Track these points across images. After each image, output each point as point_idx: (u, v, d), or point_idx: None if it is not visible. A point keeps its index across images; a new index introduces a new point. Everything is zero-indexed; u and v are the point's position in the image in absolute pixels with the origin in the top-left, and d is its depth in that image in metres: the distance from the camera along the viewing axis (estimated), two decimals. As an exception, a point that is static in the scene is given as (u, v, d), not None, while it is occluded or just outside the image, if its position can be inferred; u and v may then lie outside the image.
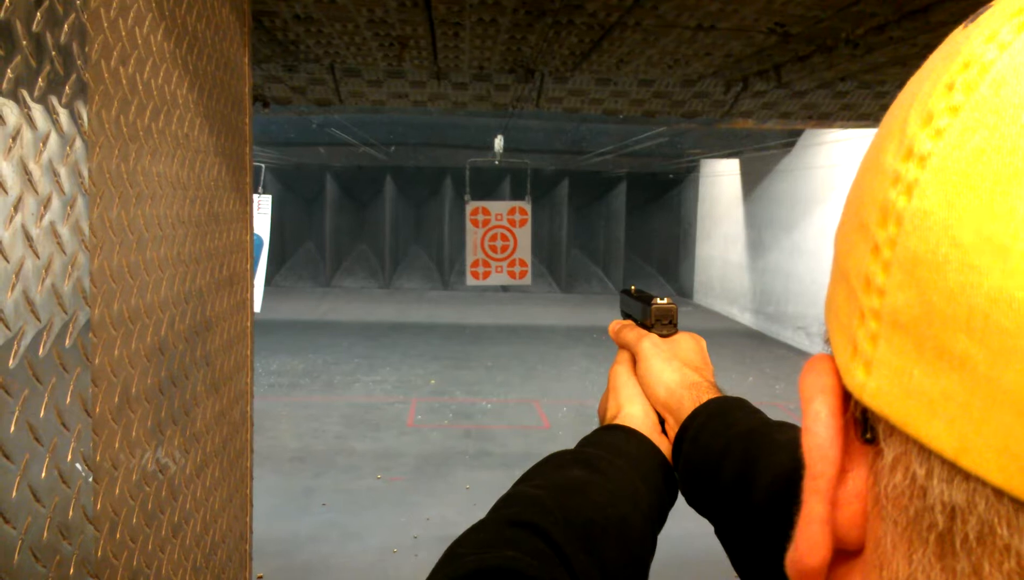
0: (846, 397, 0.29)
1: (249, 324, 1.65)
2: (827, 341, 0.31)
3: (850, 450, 0.28)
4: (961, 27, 0.27)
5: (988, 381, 0.22)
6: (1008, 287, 0.22)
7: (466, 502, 5.43)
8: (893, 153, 0.26)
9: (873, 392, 0.26)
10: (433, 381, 9.33)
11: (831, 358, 0.30)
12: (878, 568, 0.27)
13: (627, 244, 18.55)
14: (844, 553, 0.29)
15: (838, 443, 0.28)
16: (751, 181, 14.11)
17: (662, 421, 0.83)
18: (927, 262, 0.24)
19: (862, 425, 0.28)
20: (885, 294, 0.25)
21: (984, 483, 0.23)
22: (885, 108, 3.44)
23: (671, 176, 18.10)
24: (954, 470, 0.24)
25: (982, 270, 0.22)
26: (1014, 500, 0.22)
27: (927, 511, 0.25)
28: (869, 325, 0.26)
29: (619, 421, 0.82)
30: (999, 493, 0.22)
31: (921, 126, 0.25)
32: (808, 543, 0.29)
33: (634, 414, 0.82)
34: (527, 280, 7.98)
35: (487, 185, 16.10)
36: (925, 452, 0.25)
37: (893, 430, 0.26)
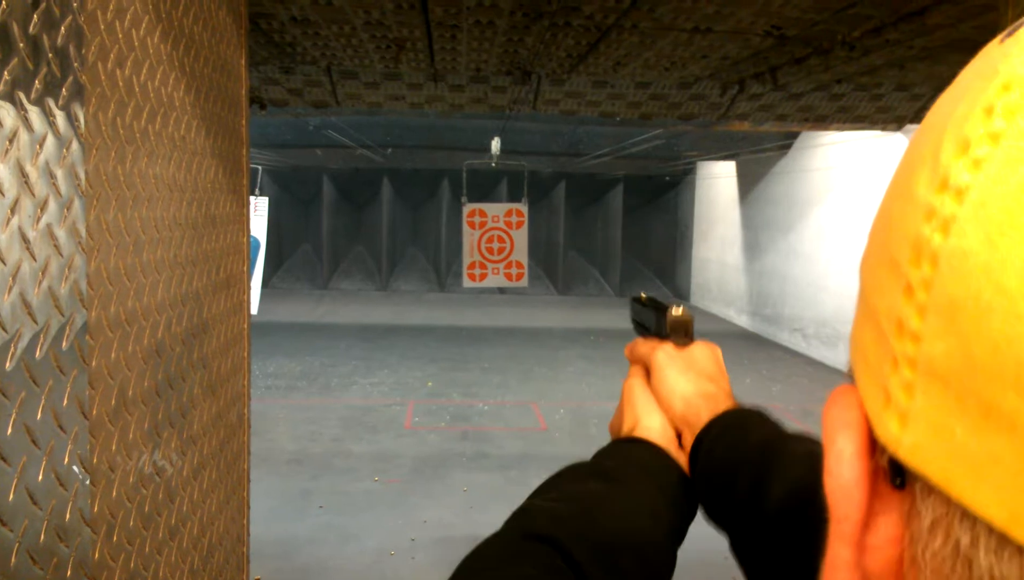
0: (873, 437, 0.26)
1: (246, 326, 1.65)
2: (850, 374, 0.29)
3: (880, 492, 0.26)
4: (997, 41, 0.25)
5: None
6: None
7: (463, 504, 5.43)
8: (926, 183, 0.24)
9: (910, 448, 0.23)
10: (430, 383, 9.32)
11: (856, 391, 0.27)
12: None
13: (624, 246, 18.56)
14: None
15: (864, 485, 0.26)
16: (747, 183, 14.13)
17: (678, 434, 0.81)
18: (968, 309, 0.21)
19: (892, 473, 0.25)
20: (921, 341, 0.23)
21: None
22: (881, 110, 3.46)
23: (668, 178, 18.12)
24: (1004, 541, 0.21)
25: None
26: None
27: None
28: (903, 373, 0.24)
29: (637, 433, 0.80)
30: None
31: (957, 155, 0.23)
32: None
33: (652, 426, 0.80)
34: (524, 282, 7.98)
35: (484, 187, 16.10)
36: (970, 519, 0.22)
37: (932, 490, 0.23)
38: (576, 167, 15.26)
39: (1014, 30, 0.24)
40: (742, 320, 14.29)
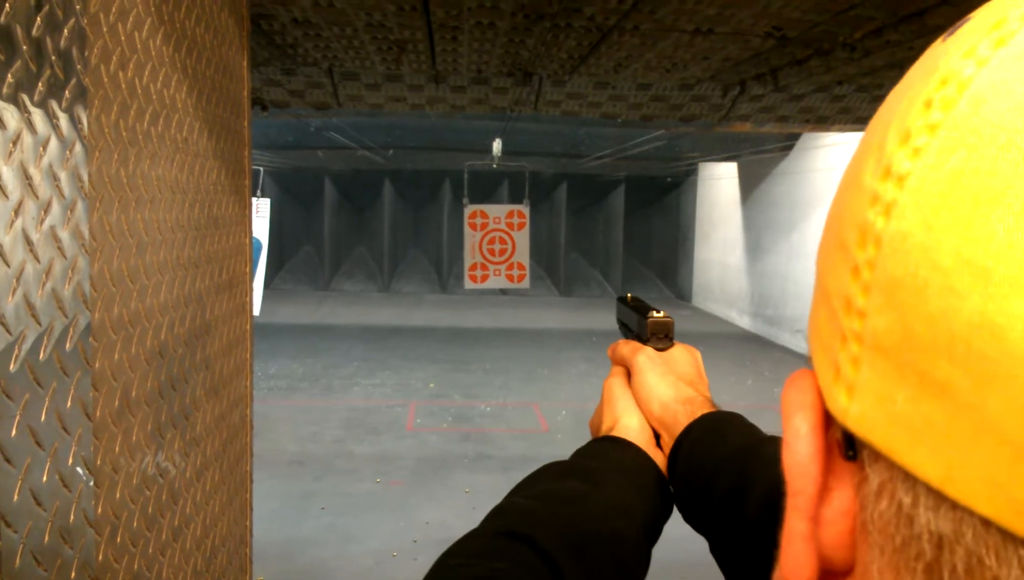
0: (828, 415, 0.28)
1: (248, 327, 1.66)
2: (810, 359, 0.30)
3: (834, 468, 0.28)
4: (940, 40, 0.27)
5: (971, 408, 0.21)
6: (989, 312, 0.21)
7: (465, 505, 5.43)
8: (872, 172, 0.25)
9: (856, 417, 0.25)
10: (432, 384, 9.32)
11: (813, 374, 0.29)
12: None
13: (626, 247, 18.56)
14: (832, 573, 0.28)
15: (819, 460, 0.28)
16: (749, 184, 14.13)
17: (657, 436, 0.81)
18: (907, 285, 0.23)
19: (845, 445, 0.27)
20: (866, 317, 0.25)
21: (971, 513, 0.22)
22: (883, 111, 3.46)
23: (669, 179, 18.11)
24: (940, 499, 0.23)
25: (962, 294, 0.22)
26: (1002, 530, 0.21)
27: (914, 540, 0.24)
28: (851, 348, 0.25)
29: (615, 433, 0.81)
30: (986, 523, 0.22)
31: (899, 144, 0.24)
32: (792, 561, 0.28)
33: (631, 426, 0.81)
34: (525, 283, 7.98)
35: (485, 188, 16.10)
36: (911, 480, 0.24)
37: (878, 456, 0.25)
38: (578, 168, 15.26)
39: (954, 30, 0.26)
40: (744, 321, 14.28)
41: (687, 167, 16.22)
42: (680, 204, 18.38)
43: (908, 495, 0.24)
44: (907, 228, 0.23)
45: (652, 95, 3.16)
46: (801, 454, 0.28)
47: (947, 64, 0.24)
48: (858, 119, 3.48)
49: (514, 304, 16.81)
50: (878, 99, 3.24)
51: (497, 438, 7.21)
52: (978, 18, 0.25)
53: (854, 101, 3.28)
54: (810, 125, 3.64)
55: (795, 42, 2.38)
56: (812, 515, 0.28)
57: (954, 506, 0.22)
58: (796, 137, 11.87)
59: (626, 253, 18.60)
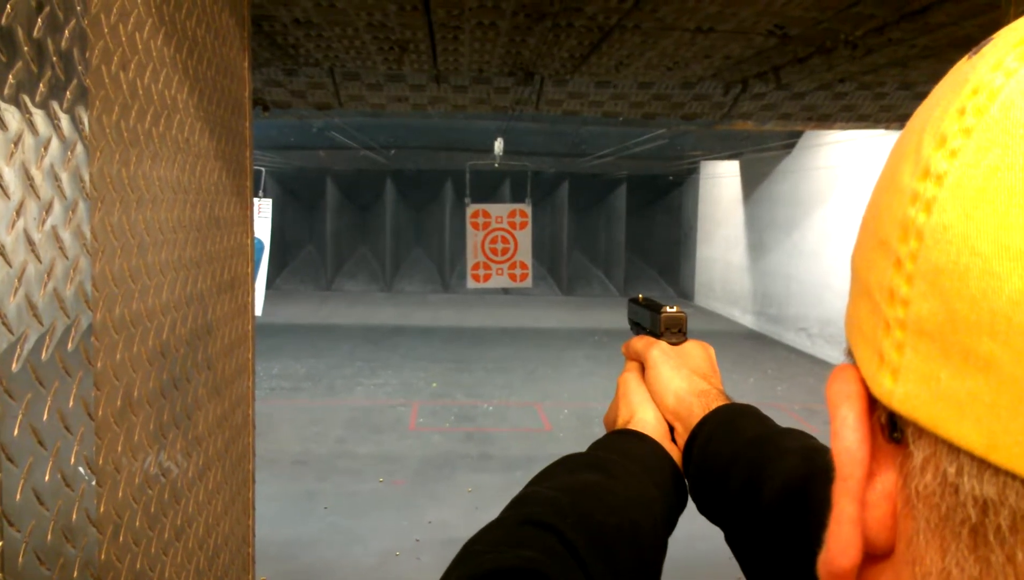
0: (871, 403, 0.30)
1: (250, 328, 1.66)
2: (848, 354, 0.32)
3: (877, 453, 0.30)
4: (965, 59, 0.29)
5: (1013, 379, 0.23)
6: None
7: (468, 505, 5.43)
8: (910, 173, 0.28)
9: (902, 397, 0.27)
10: (435, 384, 9.33)
11: (855, 367, 0.31)
12: (911, 564, 0.28)
13: (628, 246, 18.55)
14: (872, 556, 0.30)
15: (866, 446, 0.30)
16: (751, 183, 14.11)
17: (671, 429, 0.83)
18: (949, 272, 0.25)
19: (889, 428, 0.29)
20: (910, 304, 0.27)
21: (1014, 476, 0.24)
22: (885, 109, 3.45)
23: (671, 178, 18.10)
24: (984, 466, 0.25)
25: (1002, 276, 0.24)
26: None
27: (959, 506, 0.26)
28: (895, 335, 0.27)
29: (632, 426, 0.82)
30: None
31: (936, 148, 0.27)
32: (840, 544, 0.30)
33: (647, 419, 0.83)
34: (528, 282, 7.99)
35: (487, 188, 16.11)
36: (955, 451, 0.26)
37: (922, 432, 0.27)
38: (579, 167, 15.25)
39: (978, 49, 0.29)
40: (746, 320, 14.27)
41: (689, 165, 16.21)
42: (682, 203, 18.37)
43: (953, 465, 0.26)
44: (948, 221, 0.26)
45: (654, 94, 3.15)
46: (850, 440, 0.30)
47: (977, 76, 0.27)
48: (860, 117, 3.48)
49: (516, 303, 16.81)
50: (880, 96, 3.24)
51: (500, 437, 7.21)
52: (1002, 37, 0.28)
53: (856, 99, 3.27)
54: (812, 123, 3.63)
55: (797, 40, 2.38)
56: (861, 498, 0.30)
57: (997, 471, 0.24)
58: (798, 135, 11.86)
59: (628, 252, 18.59)
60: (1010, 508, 0.24)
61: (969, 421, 0.25)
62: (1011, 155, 0.25)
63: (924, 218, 0.27)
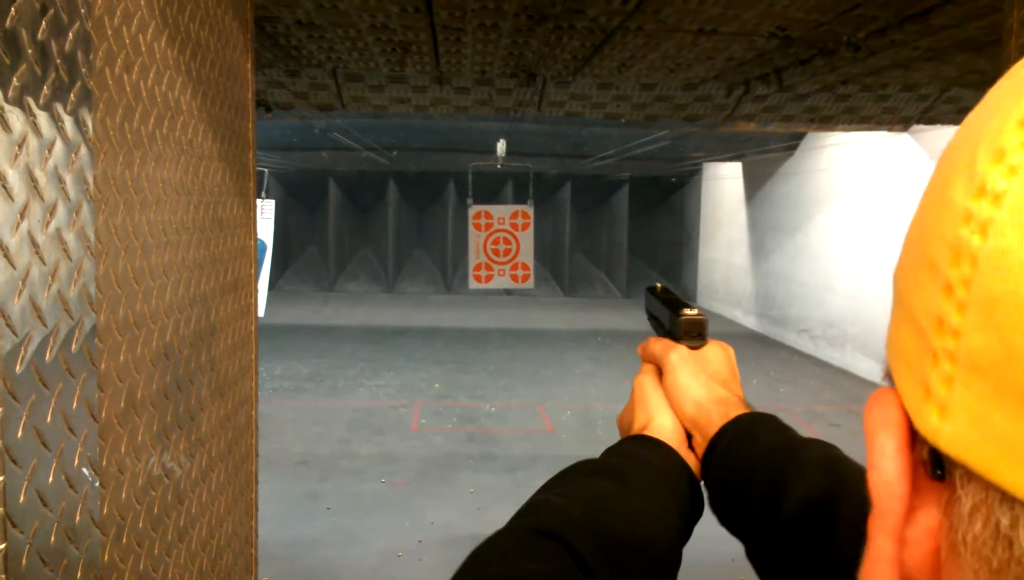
0: (913, 434, 0.28)
1: (253, 329, 1.66)
2: (887, 377, 0.30)
3: (919, 487, 0.27)
4: (1022, 62, 0.26)
5: None
6: None
7: (470, 506, 5.43)
8: (963, 190, 0.25)
9: (950, 437, 0.25)
10: (437, 385, 9.33)
11: (895, 392, 0.29)
12: None
13: (630, 248, 18.54)
14: None
15: (906, 480, 0.27)
16: (754, 184, 14.11)
17: (689, 436, 0.80)
18: (1007, 303, 0.23)
19: (932, 465, 0.27)
20: (961, 336, 0.24)
21: None
22: (887, 111, 3.45)
23: (673, 179, 18.09)
24: None
25: None
26: None
27: (1014, 563, 0.23)
28: (943, 367, 0.25)
29: (648, 432, 0.80)
30: None
31: (992, 163, 0.24)
32: None
33: (664, 426, 0.80)
34: (530, 284, 7.99)
35: (490, 189, 16.10)
36: (1009, 500, 0.23)
37: (972, 476, 0.25)
38: (581, 169, 15.25)
39: None
40: (749, 321, 14.26)
41: (691, 167, 16.20)
42: (684, 204, 18.36)
43: (1007, 516, 0.23)
44: (1006, 245, 0.23)
45: (656, 95, 3.15)
46: (888, 473, 0.27)
47: None
48: (863, 118, 3.47)
49: (518, 304, 16.81)
50: (883, 98, 3.24)
51: (502, 438, 7.21)
52: None
53: (859, 100, 3.27)
54: (815, 125, 3.63)
55: (799, 42, 2.38)
56: (899, 536, 0.27)
57: None
58: (801, 137, 11.84)
59: (630, 253, 18.58)
60: None
61: None
62: None
63: (979, 241, 0.24)
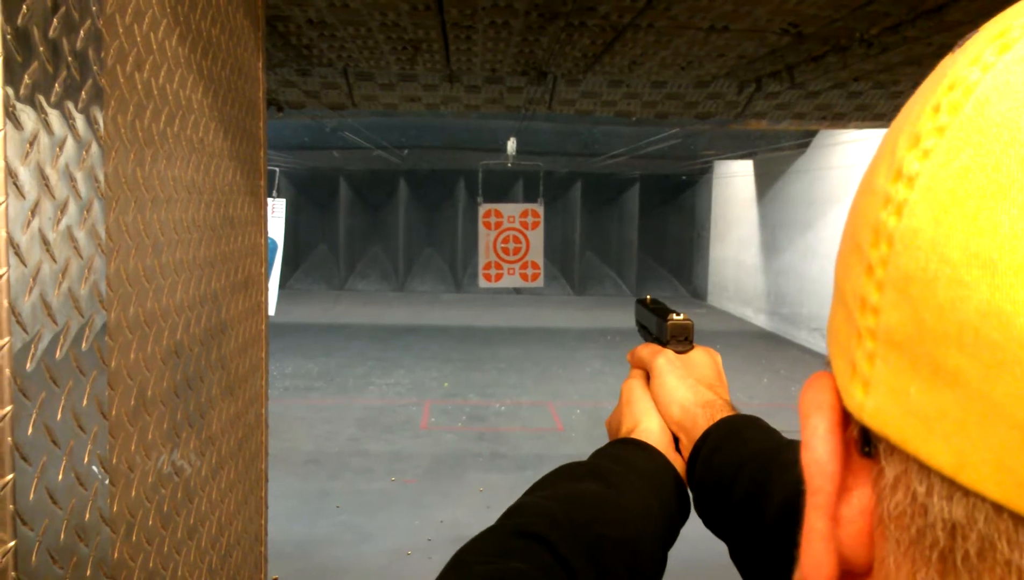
0: (846, 415, 0.28)
1: (264, 327, 1.66)
2: (828, 362, 0.31)
3: (852, 467, 0.28)
4: (950, 54, 0.27)
5: (981, 396, 0.22)
6: (996, 301, 0.22)
7: (479, 504, 5.43)
8: (884, 175, 0.27)
9: (872, 411, 0.26)
10: (447, 384, 9.34)
11: (830, 375, 0.30)
12: None
13: (640, 246, 18.51)
14: (853, 574, 0.29)
15: (837, 458, 0.28)
16: (765, 182, 14.05)
17: (675, 439, 0.81)
18: (918, 280, 0.24)
19: (861, 442, 0.28)
20: (880, 313, 0.25)
21: (983, 499, 0.23)
22: (900, 108, 3.44)
23: (684, 177, 18.04)
24: (953, 486, 0.23)
25: (970, 285, 0.22)
26: (1013, 515, 0.22)
27: (929, 529, 0.24)
28: (866, 345, 0.26)
29: (636, 435, 0.81)
30: (998, 508, 0.22)
31: (909, 148, 0.26)
32: (812, 561, 0.29)
33: (651, 429, 0.81)
34: (540, 282, 7.98)
35: (500, 187, 16.10)
36: (925, 470, 0.24)
37: (893, 449, 0.26)
38: (592, 167, 15.23)
39: (963, 42, 0.27)
40: (760, 320, 14.20)
41: (702, 165, 16.15)
42: (695, 202, 18.30)
43: (922, 485, 0.25)
44: (917, 225, 0.24)
45: (667, 93, 3.14)
46: (820, 452, 0.28)
47: (954, 71, 0.25)
48: (876, 116, 3.45)
49: (528, 303, 16.80)
50: (895, 95, 3.21)
51: (511, 437, 7.21)
52: (985, 30, 0.26)
53: (871, 98, 3.25)
54: (827, 122, 3.61)
55: (812, 38, 2.37)
56: (832, 514, 0.28)
57: (966, 493, 0.23)
58: (812, 134, 11.79)
59: (641, 252, 18.55)
60: (978, 533, 0.23)
61: (938, 438, 0.23)
62: (984, 155, 0.23)
63: (895, 222, 0.25)
